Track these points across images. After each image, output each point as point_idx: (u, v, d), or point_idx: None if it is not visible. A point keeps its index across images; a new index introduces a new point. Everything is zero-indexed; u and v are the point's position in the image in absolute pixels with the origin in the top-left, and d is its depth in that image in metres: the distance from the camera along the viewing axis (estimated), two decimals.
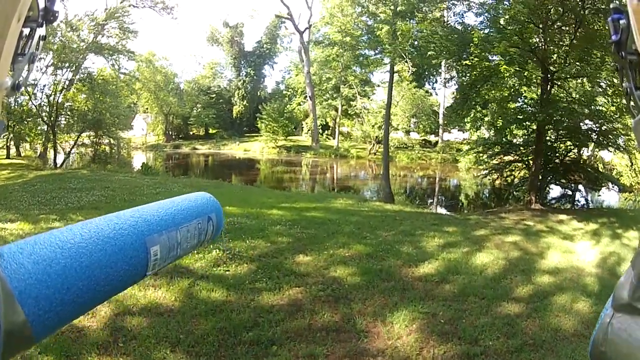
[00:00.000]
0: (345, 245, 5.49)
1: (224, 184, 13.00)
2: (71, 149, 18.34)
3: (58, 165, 16.74)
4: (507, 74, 9.82)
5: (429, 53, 10.77)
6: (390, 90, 12.82)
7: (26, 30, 0.35)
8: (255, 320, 3.29)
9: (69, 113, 17.91)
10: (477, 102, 11.20)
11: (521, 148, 11.62)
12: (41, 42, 0.37)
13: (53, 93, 17.19)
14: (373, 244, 5.71)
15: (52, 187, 10.39)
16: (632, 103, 0.37)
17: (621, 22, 0.35)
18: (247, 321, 3.25)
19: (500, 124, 11.23)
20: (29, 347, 0.35)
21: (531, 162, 10.69)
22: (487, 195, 16.38)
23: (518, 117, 10.46)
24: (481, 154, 12.69)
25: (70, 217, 6.63)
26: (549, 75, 9.79)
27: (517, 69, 9.75)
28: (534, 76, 10.15)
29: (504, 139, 11.83)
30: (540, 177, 10.73)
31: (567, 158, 11.62)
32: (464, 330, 3.31)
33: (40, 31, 0.36)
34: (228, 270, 4.27)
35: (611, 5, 0.37)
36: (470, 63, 9.60)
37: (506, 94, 10.70)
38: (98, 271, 0.41)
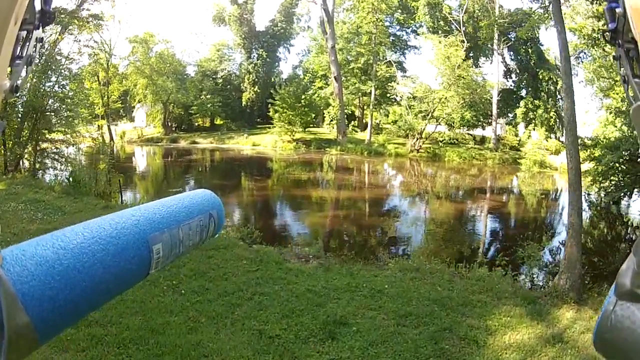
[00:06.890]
0: None
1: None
2: (23, 151, 13.19)
3: (7, 172, 12.08)
4: None
5: None
6: (565, 47, 5.36)
7: (23, 33, 0.35)
8: None
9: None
10: None
11: None
12: (38, 45, 0.36)
13: None
14: None
15: None
16: (629, 91, 0.36)
17: (617, 10, 0.35)
18: None
19: None
20: (34, 349, 0.34)
21: None
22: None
23: None
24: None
25: None
26: None
27: None
28: None
29: None
30: None
31: None
32: None
33: (37, 33, 0.36)
34: None
35: None
36: None
37: None
38: (101, 271, 0.40)
